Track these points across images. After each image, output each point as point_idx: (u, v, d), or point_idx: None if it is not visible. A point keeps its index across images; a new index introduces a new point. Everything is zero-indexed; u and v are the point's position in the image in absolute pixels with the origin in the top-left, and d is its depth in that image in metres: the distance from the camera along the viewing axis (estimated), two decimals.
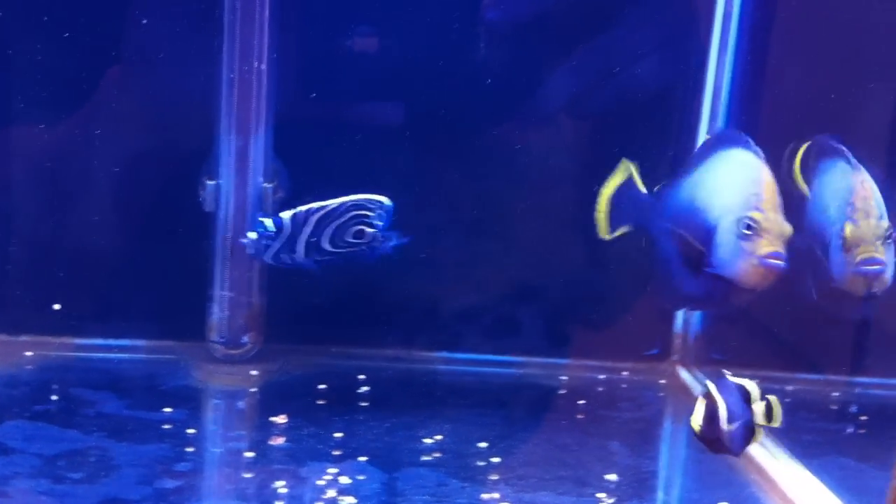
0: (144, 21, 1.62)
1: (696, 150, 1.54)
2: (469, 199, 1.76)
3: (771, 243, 1.19)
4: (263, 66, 1.61)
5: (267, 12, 1.59)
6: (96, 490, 1.20)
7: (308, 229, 1.34)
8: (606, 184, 1.43)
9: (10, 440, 1.31)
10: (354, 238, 1.35)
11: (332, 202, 1.36)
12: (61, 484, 1.20)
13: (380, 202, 1.35)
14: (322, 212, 1.35)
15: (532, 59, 1.73)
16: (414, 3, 1.67)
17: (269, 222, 1.35)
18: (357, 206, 1.35)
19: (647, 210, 1.38)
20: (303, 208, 1.36)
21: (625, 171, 1.44)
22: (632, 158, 1.73)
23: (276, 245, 1.34)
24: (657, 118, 1.76)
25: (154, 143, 1.66)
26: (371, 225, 1.34)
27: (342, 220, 1.35)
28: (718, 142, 1.35)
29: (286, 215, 1.35)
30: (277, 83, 1.63)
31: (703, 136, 1.74)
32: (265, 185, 1.65)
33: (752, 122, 1.73)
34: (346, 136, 1.70)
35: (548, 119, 1.76)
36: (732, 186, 1.25)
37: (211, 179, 1.64)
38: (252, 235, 1.37)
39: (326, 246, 1.34)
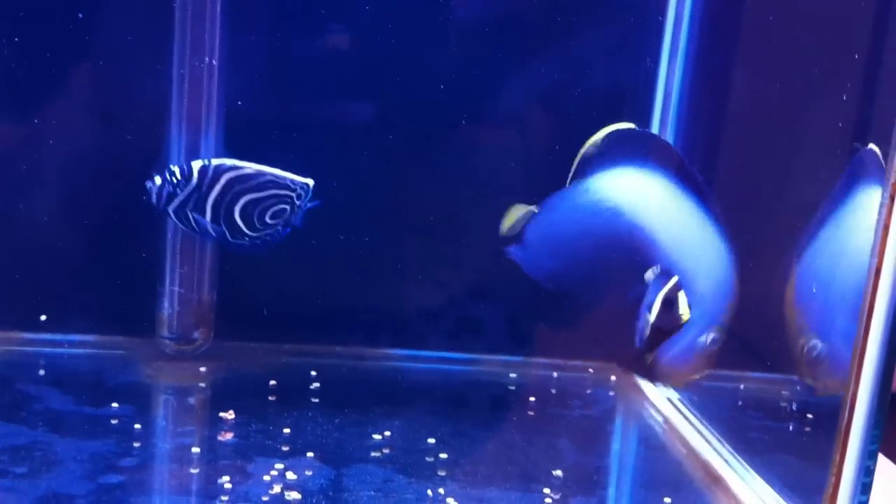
0: (94, 15, 1.61)
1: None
2: (426, 199, 1.77)
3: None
4: (215, 62, 1.60)
5: (218, 7, 1.58)
6: (39, 485, 1.19)
7: (217, 188, 1.30)
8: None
9: None
10: (272, 219, 1.32)
11: (248, 166, 1.33)
12: (4, 478, 1.19)
13: (305, 184, 1.32)
14: (234, 172, 1.31)
15: (488, 60, 1.73)
16: None
17: (176, 169, 1.31)
18: (278, 184, 1.32)
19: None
20: (215, 161, 1.32)
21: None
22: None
23: (181, 196, 1.30)
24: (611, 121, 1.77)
25: (104, 139, 1.65)
26: (293, 207, 1.32)
27: (260, 195, 1.32)
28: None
29: (196, 164, 1.32)
30: (229, 79, 1.62)
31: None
32: None
33: (704, 127, 1.75)
34: (301, 134, 1.70)
35: (504, 120, 1.77)
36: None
37: (159, 176, 1.63)
38: (157, 180, 1.32)
39: (238, 219, 1.31)
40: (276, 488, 1.23)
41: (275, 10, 1.65)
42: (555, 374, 1.76)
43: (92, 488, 1.19)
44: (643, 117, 1.77)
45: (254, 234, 1.32)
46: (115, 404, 1.45)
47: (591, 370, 1.79)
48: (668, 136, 1.77)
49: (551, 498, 1.27)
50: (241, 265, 1.70)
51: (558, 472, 1.35)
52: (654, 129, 1.77)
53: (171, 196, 1.28)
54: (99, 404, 1.44)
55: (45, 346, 1.66)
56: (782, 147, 1.71)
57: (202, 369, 1.63)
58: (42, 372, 1.56)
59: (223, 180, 1.28)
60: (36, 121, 1.62)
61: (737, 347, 1.70)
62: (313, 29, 1.69)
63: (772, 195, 1.71)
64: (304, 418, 1.46)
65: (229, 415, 1.43)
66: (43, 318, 1.65)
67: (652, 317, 1.27)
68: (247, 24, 1.64)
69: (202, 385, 1.59)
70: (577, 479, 1.34)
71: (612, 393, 1.71)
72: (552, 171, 1.75)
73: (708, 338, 1.34)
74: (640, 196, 1.40)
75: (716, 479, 1.37)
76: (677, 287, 1.27)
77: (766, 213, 1.65)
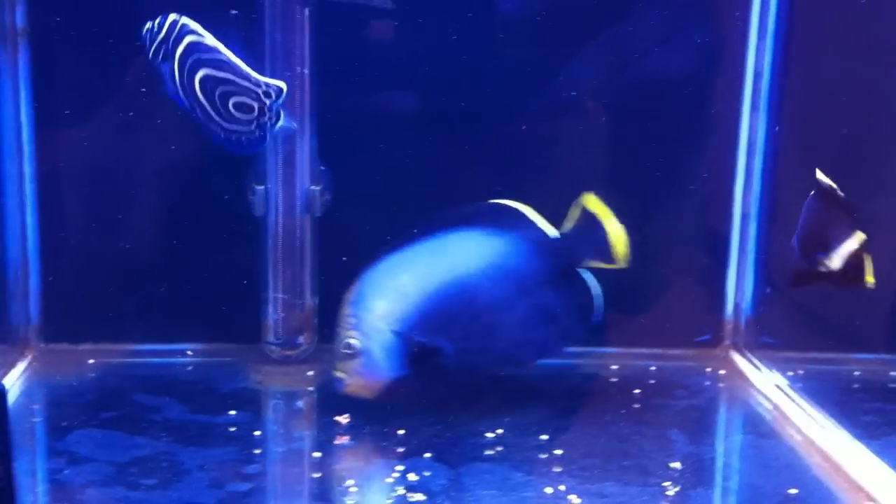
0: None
1: None
2: (507, 193, 1.77)
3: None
4: (306, 71, 1.62)
5: (307, 18, 1.60)
6: (170, 496, 1.22)
7: (181, 48, 1.30)
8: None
9: (81, 449, 1.34)
10: (238, 111, 1.32)
11: (211, 38, 1.33)
12: (136, 491, 1.23)
13: (276, 87, 1.33)
14: (196, 38, 1.32)
15: (561, 48, 1.73)
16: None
17: (158, 20, 1.33)
18: (236, 72, 1.32)
19: None
20: (185, 20, 1.33)
21: None
22: (669, 148, 1.75)
23: (155, 45, 1.32)
24: (694, 106, 1.76)
25: (203, 150, 1.68)
26: (262, 109, 1.33)
27: (218, 74, 1.32)
28: None
29: (171, 17, 1.33)
30: (320, 88, 1.65)
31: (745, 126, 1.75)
32: (312, 188, 1.67)
33: (795, 110, 1.73)
34: (383, 135, 1.72)
35: (580, 110, 1.76)
36: None
37: (259, 184, 1.66)
38: (147, 25, 1.34)
39: (199, 93, 1.31)
40: (400, 490, 1.25)
41: (358, 17, 1.67)
42: (654, 365, 1.75)
43: (222, 496, 1.22)
44: (732, 99, 1.76)
45: (224, 123, 1.34)
46: (230, 412, 1.48)
47: (688, 360, 1.78)
48: (760, 117, 1.75)
49: (672, 490, 1.27)
50: (337, 269, 1.72)
51: (675, 464, 1.34)
52: (745, 111, 1.76)
53: (152, 43, 1.32)
54: (215, 412, 1.48)
55: (155, 356, 1.70)
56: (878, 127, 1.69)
57: (309, 373, 1.66)
58: (155, 382, 1.60)
59: (185, 41, 1.31)
60: (138, 134, 1.66)
61: (844, 330, 1.68)
62: (397, 32, 1.70)
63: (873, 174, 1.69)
64: (415, 419, 1.48)
65: (342, 418, 1.45)
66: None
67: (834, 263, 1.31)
68: (336, 33, 1.65)
69: (311, 389, 1.62)
70: (695, 471, 1.34)
71: (714, 382, 1.70)
72: (640, 160, 1.75)
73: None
74: None
75: (836, 466, 1.35)
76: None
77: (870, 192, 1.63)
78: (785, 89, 1.71)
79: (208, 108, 1.33)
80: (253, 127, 1.34)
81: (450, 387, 1.50)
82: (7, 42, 1.61)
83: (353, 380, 1.43)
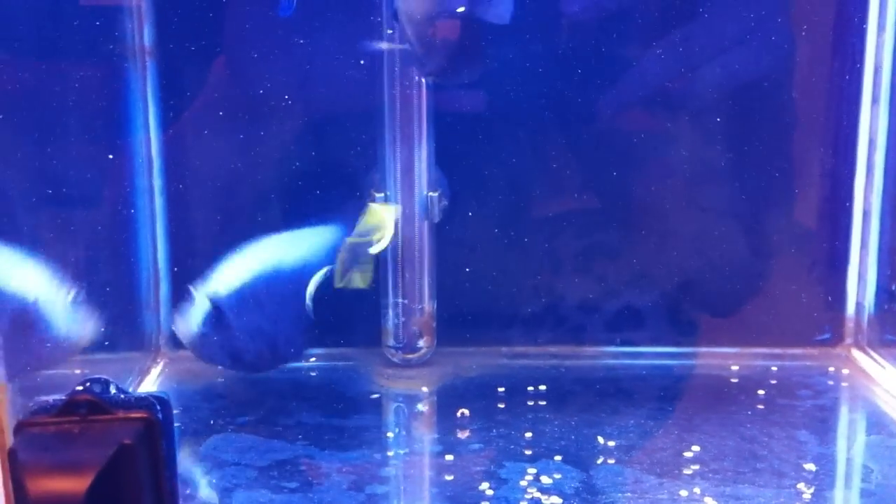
0: (307, 43, 1.69)
1: None
2: (621, 194, 1.78)
3: None
4: (423, 80, 1.65)
5: None
6: (312, 498, 1.26)
7: None
8: None
9: (222, 453, 1.39)
10: None
11: None
12: (279, 493, 1.27)
13: None
14: None
15: (678, 46, 1.72)
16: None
17: None
18: None
19: None
20: None
21: None
22: (787, 144, 1.73)
23: None
24: (812, 101, 1.74)
25: (323, 160, 1.72)
26: None
27: None
28: None
29: None
30: (436, 94, 1.67)
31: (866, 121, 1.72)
32: (430, 194, 1.70)
33: None
34: (495, 139, 1.74)
35: (698, 107, 1.75)
36: None
37: (379, 192, 1.69)
38: None
39: None
40: (533, 492, 1.26)
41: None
42: (774, 365, 1.74)
43: (363, 499, 1.25)
44: (852, 94, 1.73)
45: None
46: (359, 414, 1.52)
47: (809, 359, 1.76)
48: (881, 111, 1.72)
49: (808, 492, 1.26)
50: (454, 272, 1.75)
51: (809, 466, 1.34)
52: (865, 106, 1.73)
53: None
54: (345, 415, 1.52)
55: None
56: None
57: (431, 376, 1.69)
58: (283, 387, 1.65)
59: None
60: (260, 146, 1.72)
61: None
62: (511, 38, 1.72)
63: None
64: (540, 421, 1.50)
65: (468, 421, 1.48)
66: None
67: None
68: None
69: (433, 391, 1.65)
70: (829, 472, 1.33)
71: (837, 381, 1.68)
72: (758, 156, 1.74)
73: None
74: None
75: None
76: None
77: None
78: None
79: None
80: None
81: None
82: (136, 61, 1.67)
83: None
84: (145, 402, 0.96)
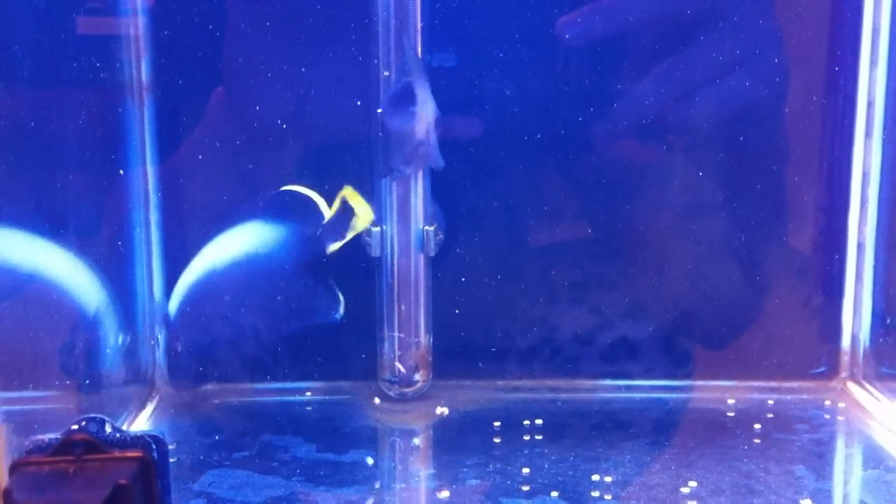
0: (303, 76, 1.70)
1: None
2: (614, 222, 1.78)
3: None
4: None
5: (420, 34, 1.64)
6: None
7: None
8: None
9: (217, 489, 1.38)
10: None
11: None
12: None
13: None
14: None
15: (671, 80, 1.73)
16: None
17: None
18: None
19: None
20: None
21: None
22: (782, 178, 1.74)
23: None
24: (805, 136, 1.76)
25: (321, 191, 1.73)
26: None
27: None
28: None
29: None
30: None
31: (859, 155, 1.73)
32: (426, 228, 1.70)
33: None
34: (491, 172, 1.75)
35: (693, 140, 1.76)
36: None
37: (375, 226, 1.70)
38: None
39: None
40: None
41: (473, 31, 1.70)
42: (770, 398, 1.74)
43: None
44: (845, 128, 1.74)
45: None
46: (355, 449, 1.51)
47: (804, 392, 1.77)
48: (874, 145, 1.73)
49: None
50: (450, 306, 1.76)
51: (805, 501, 1.33)
52: (859, 140, 1.74)
53: None
54: (340, 451, 1.51)
55: (276, 394, 1.75)
56: None
57: (426, 410, 1.68)
58: (279, 421, 1.64)
59: None
60: (256, 180, 1.73)
61: None
62: (508, 68, 1.73)
63: None
64: (536, 455, 1.49)
65: (465, 457, 1.47)
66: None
67: None
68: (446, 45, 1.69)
69: (430, 427, 1.64)
70: None
71: (833, 415, 1.68)
72: (753, 189, 1.75)
73: None
74: None
75: None
76: None
77: None
78: None
79: None
80: None
81: None
82: (133, 95, 1.68)
83: None
84: (141, 441, 0.95)
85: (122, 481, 0.89)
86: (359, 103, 1.66)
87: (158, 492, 0.95)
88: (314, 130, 1.73)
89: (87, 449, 0.92)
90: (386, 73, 1.63)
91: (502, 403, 1.72)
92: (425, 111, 1.55)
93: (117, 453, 0.94)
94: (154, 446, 0.95)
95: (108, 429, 0.96)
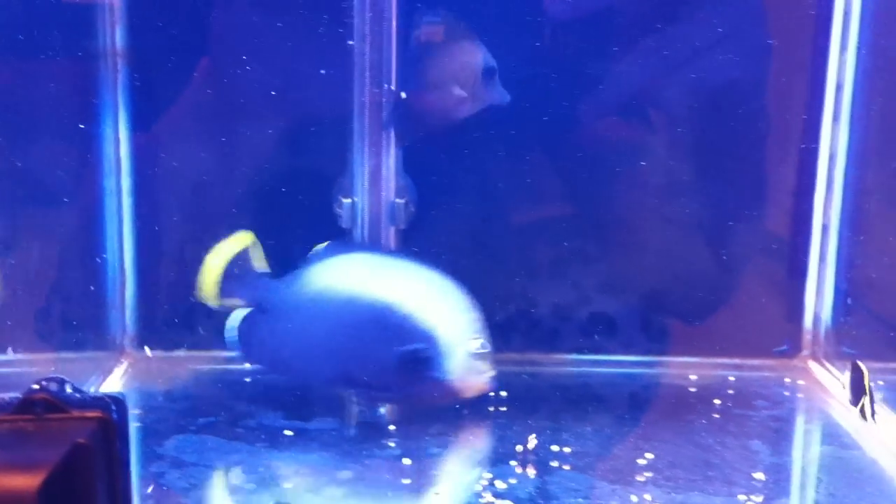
0: (278, 48, 1.70)
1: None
2: (585, 201, 1.80)
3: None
4: (393, 89, 1.67)
5: (394, 39, 1.65)
6: (270, 501, 1.27)
7: None
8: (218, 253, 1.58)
9: (181, 453, 1.40)
10: None
11: None
12: (237, 494, 1.28)
13: None
14: None
15: (640, 58, 1.75)
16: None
17: None
18: None
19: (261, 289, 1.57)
20: None
21: (241, 243, 1.59)
22: (748, 158, 1.76)
23: None
24: (773, 117, 1.78)
25: (292, 164, 1.74)
26: None
27: None
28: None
29: None
30: (404, 103, 1.69)
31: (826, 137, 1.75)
32: (397, 201, 1.71)
33: (877, 121, 1.73)
34: (465, 146, 1.76)
35: (659, 120, 1.78)
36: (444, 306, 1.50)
37: (346, 198, 1.71)
38: None
39: None
40: (487, 496, 1.28)
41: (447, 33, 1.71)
42: (732, 375, 1.77)
43: (319, 501, 1.26)
44: (813, 111, 1.76)
45: None
46: (319, 418, 1.53)
47: (766, 370, 1.79)
48: (841, 128, 1.75)
49: (756, 501, 1.29)
50: None
51: (759, 475, 1.36)
52: (826, 123, 1.76)
53: None
54: (306, 418, 1.53)
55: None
56: None
57: None
58: (246, 389, 1.66)
59: None
60: (229, 148, 1.73)
61: None
62: (485, 17, 1.73)
63: None
64: (499, 427, 1.52)
65: (429, 426, 1.49)
66: None
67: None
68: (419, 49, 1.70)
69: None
70: (779, 482, 1.35)
71: (794, 392, 1.71)
72: (719, 170, 1.77)
73: (474, 345, 1.50)
74: (366, 274, 1.55)
75: None
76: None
77: None
78: (867, 101, 1.71)
79: None
80: None
81: None
82: (107, 62, 1.68)
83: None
84: (101, 402, 0.96)
85: (81, 440, 0.91)
86: (335, 75, 1.67)
87: (118, 452, 0.96)
88: (290, 100, 1.73)
89: (47, 408, 0.93)
90: (350, 42, 1.63)
91: None
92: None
93: (77, 413, 0.95)
94: (114, 407, 0.96)
95: (69, 389, 0.97)
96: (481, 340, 1.50)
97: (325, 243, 1.62)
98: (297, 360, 1.54)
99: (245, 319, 1.60)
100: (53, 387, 0.97)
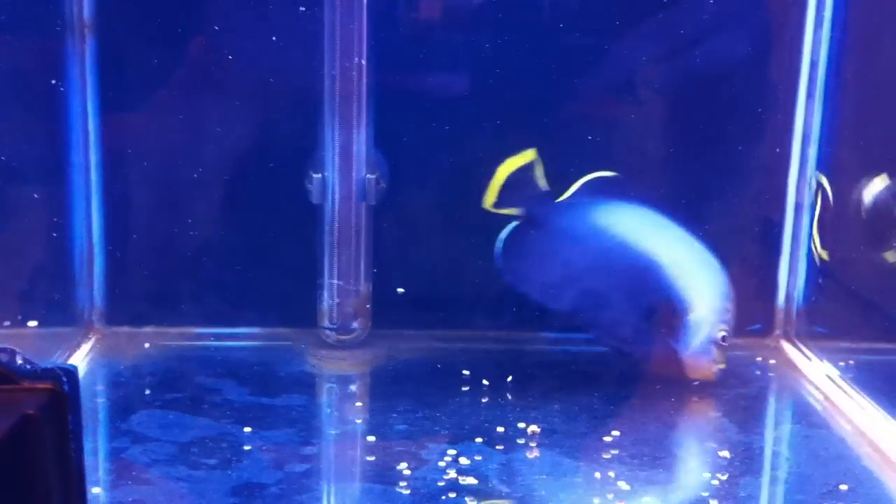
0: (248, 22, 1.68)
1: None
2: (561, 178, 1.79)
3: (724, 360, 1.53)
4: (363, 62, 1.65)
5: (365, 11, 1.63)
6: (231, 475, 1.26)
7: None
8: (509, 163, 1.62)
9: (145, 429, 1.39)
10: None
11: None
12: (198, 470, 1.27)
13: None
14: None
15: (617, 34, 1.74)
16: None
17: None
18: None
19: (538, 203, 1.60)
20: None
21: (526, 158, 1.63)
22: (723, 136, 1.75)
23: None
24: (748, 95, 1.77)
25: (263, 139, 1.72)
26: None
27: None
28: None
29: None
30: (376, 77, 1.68)
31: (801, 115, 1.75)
32: (368, 176, 1.70)
33: (851, 99, 1.72)
34: (437, 125, 1.75)
35: (635, 97, 1.77)
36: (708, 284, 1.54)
37: (317, 173, 1.69)
38: None
39: None
40: (451, 473, 1.28)
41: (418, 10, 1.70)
42: None
43: (281, 477, 1.26)
44: (788, 88, 1.76)
45: None
46: (287, 394, 1.52)
47: (739, 349, 1.79)
48: (816, 106, 1.74)
49: (718, 480, 1.28)
50: (391, 256, 1.76)
51: (724, 453, 1.36)
52: (801, 100, 1.76)
53: None
54: (273, 395, 1.52)
55: (214, 339, 1.75)
56: None
57: (363, 358, 1.70)
58: (215, 365, 1.65)
59: None
60: (199, 124, 1.71)
61: (890, 322, 1.68)
62: (453, 24, 1.72)
63: None
64: (465, 404, 1.51)
65: (397, 402, 1.49)
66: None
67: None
68: (392, 24, 1.68)
69: (365, 374, 1.65)
70: (744, 460, 1.35)
71: (765, 371, 1.71)
72: (693, 148, 1.76)
73: (720, 334, 1.54)
74: (641, 224, 1.60)
75: (886, 457, 1.36)
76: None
77: None
78: (841, 78, 1.70)
79: None
80: None
81: None
82: (75, 34, 1.66)
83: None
84: (52, 373, 0.95)
85: (30, 411, 0.89)
86: (305, 50, 1.65)
87: (69, 425, 0.95)
88: (260, 74, 1.71)
89: None
90: (302, 9, 1.62)
91: (440, 353, 1.73)
92: None
93: (27, 384, 0.93)
94: (65, 379, 0.95)
95: (20, 360, 0.96)
96: (727, 331, 1.53)
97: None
98: (554, 281, 1.58)
99: (513, 231, 1.62)
100: (4, 357, 0.95)
